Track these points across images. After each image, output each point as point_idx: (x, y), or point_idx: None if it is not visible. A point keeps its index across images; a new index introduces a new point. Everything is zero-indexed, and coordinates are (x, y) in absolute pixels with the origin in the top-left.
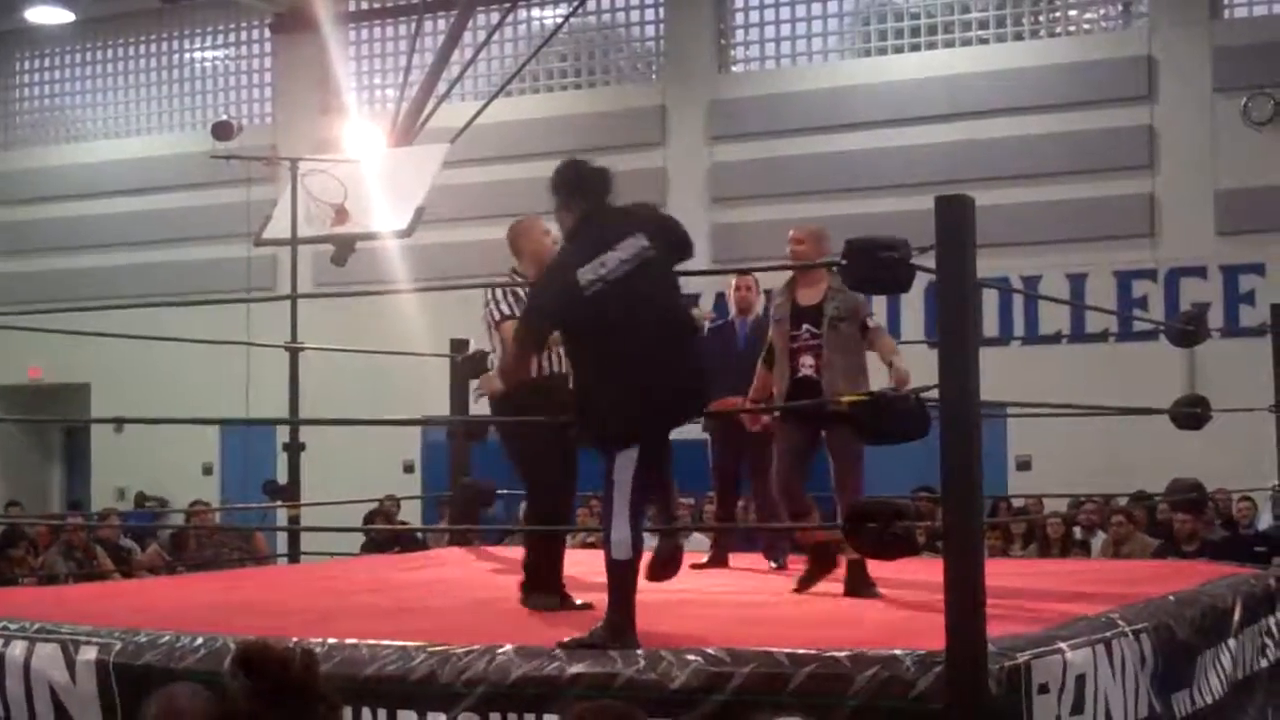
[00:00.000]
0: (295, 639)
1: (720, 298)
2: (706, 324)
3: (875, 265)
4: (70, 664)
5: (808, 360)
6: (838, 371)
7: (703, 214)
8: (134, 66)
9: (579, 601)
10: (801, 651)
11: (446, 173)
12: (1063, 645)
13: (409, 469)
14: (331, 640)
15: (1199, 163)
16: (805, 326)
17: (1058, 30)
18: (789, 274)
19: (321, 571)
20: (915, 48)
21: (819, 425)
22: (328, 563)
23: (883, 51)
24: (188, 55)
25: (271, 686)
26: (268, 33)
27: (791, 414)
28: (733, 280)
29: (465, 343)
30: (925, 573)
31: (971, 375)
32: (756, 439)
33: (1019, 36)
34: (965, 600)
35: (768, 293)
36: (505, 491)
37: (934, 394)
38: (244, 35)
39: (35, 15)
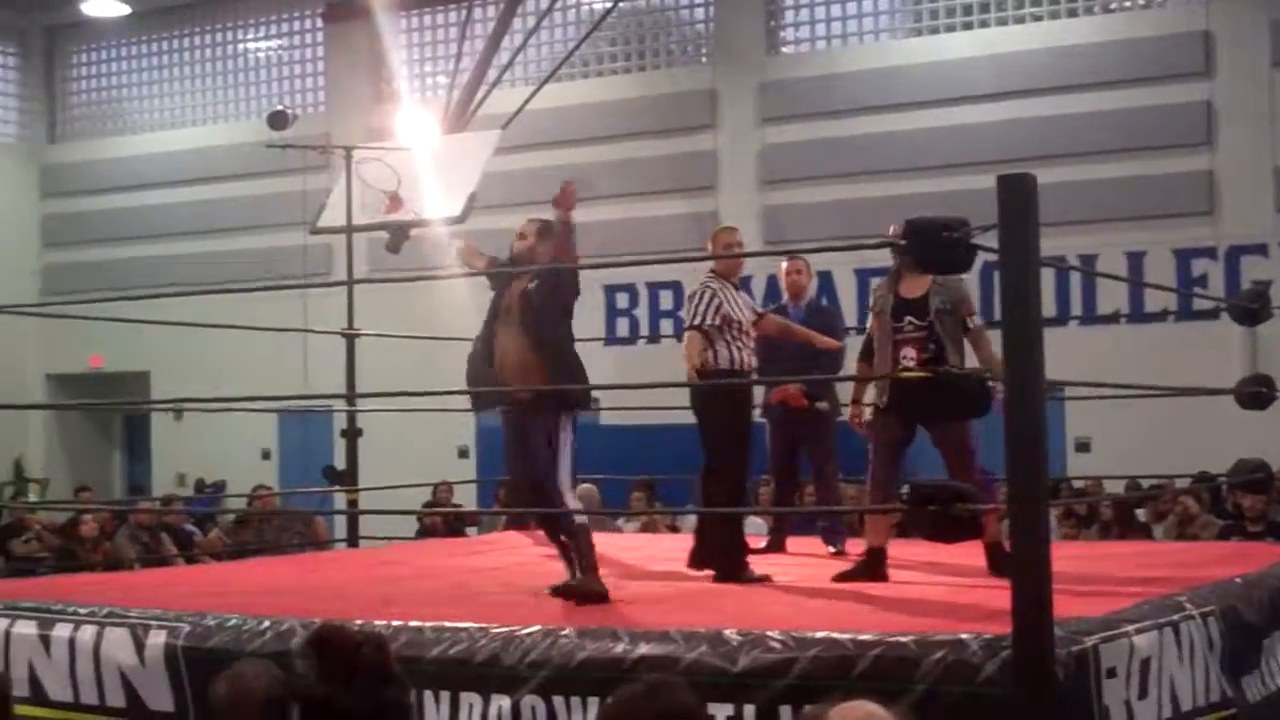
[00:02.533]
0: (360, 621)
1: (772, 281)
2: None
3: (936, 246)
4: (139, 648)
5: (909, 352)
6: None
7: (754, 196)
8: (189, 58)
9: (758, 574)
10: (866, 636)
11: (499, 158)
12: (1129, 629)
13: (464, 454)
14: (396, 623)
15: (1258, 139)
16: (908, 319)
17: (1112, 6)
18: (892, 265)
19: (381, 556)
20: (967, 26)
21: (917, 420)
22: (387, 547)
23: (934, 30)
24: (241, 45)
25: (343, 668)
26: (320, 21)
27: (891, 409)
28: (783, 264)
29: None
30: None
31: (1036, 354)
32: (815, 424)
33: (1073, 13)
34: (1032, 583)
35: (819, 275)
36: None
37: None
38: (297, 25)
39: (90, 8)
